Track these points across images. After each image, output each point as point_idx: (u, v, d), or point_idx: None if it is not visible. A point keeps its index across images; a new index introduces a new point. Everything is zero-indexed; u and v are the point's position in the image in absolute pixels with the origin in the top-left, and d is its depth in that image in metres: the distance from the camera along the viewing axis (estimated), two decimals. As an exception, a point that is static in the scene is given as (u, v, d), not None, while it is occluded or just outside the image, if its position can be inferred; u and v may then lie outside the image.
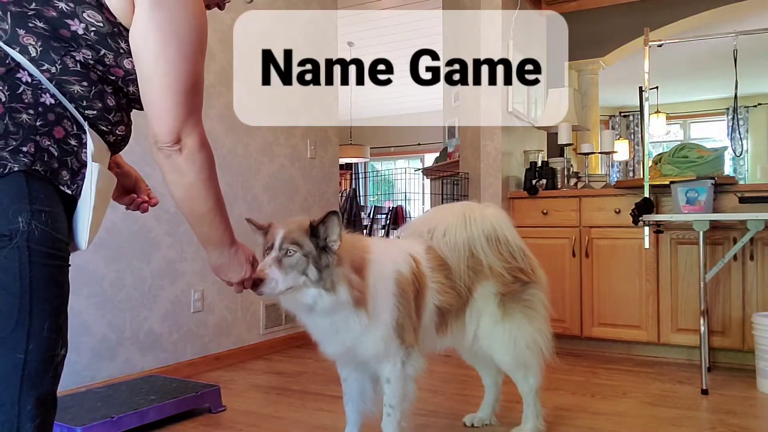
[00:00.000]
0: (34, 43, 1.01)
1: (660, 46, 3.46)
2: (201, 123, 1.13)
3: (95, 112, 1.08)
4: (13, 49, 1.00)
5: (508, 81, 4.12)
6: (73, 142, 1.06)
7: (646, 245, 3.32)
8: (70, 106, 1.05)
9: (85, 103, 1.06)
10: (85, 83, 1.05)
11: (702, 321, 3.00)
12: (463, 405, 2.66)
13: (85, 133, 1.07)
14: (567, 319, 3.79)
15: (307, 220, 1.71)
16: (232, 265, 1.33)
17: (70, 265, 1.08)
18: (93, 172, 1.07)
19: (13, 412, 0.97)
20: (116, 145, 1.18)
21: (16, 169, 0.97)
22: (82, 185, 1.07)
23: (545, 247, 3.81)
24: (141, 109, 1.15)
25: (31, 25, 1.00)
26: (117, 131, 1.14)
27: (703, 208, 3.06)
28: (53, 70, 1.02)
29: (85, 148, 1.07)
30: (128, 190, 1.41)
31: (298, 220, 1.74)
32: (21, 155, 0.98)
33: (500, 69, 4.03)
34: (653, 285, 3.57)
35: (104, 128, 1.11)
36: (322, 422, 2.48)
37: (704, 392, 2.86)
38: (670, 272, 3.52)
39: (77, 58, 1.03)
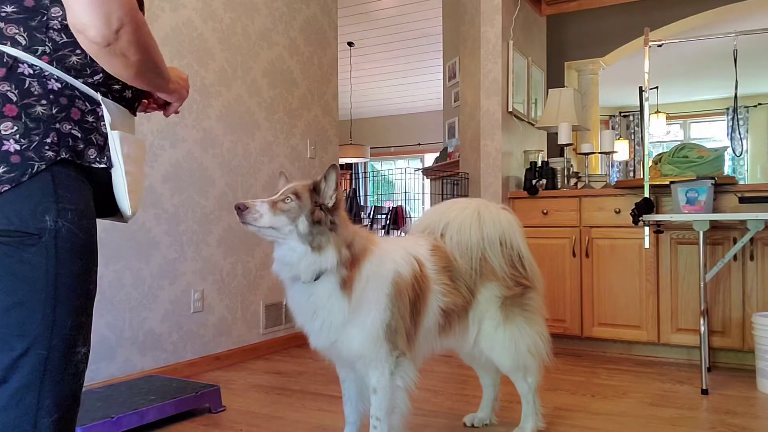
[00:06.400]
0: (18, 31, 1.00)
1: (660, 46, 3.46)
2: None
3: (101, 75, 1.07)
4: (4, 44, 0.99)
5: (508, 81, 4.13)
6: (90, 119, 1.06)
7: (646, 245, 3.32)
8: (78, 83, 1.04)
9: (89, 71, 1.05)
10: (78, 51, 1.03)
11: (702, 321, 3.00)
12: (463, 405, 2.66)
13: (99, 106, 1.08)
14: (567, 319, 3.78)
15: (312, 180, 1.81)
16: (181, 83, 1.27)
17: (97, 264, 1.09)
18: (115, 140, 1.08)
19: (32, 407, 0.98)
20: (136, 98, 1.18)
21: (43, 167, 0.98)
22: (111, 156, 1.09)
23: (545, 247, 3.82)
24: None
25: (3, 14, 0.99)
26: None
27: (703, 208, 3.06)
28: (47, 50, 1.01)
29: (104, 121, 1.08)
30: None
31: (306, 181, 1.84)
32: (46, 148, 0.99)
33: (500, 69, 4.04)
34: (653, 285, 3.57)
35: (117, 86, 1.11)
36: (322, 422, 2.47)
37: (704, 392, 2.86)
38: (670, 272, 3.52)
39: (56, 27, 1.01)
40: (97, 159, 1.07)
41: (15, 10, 0.99)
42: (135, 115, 1.22)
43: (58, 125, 1.01)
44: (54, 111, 1.01)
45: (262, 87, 3.76)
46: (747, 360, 3.28)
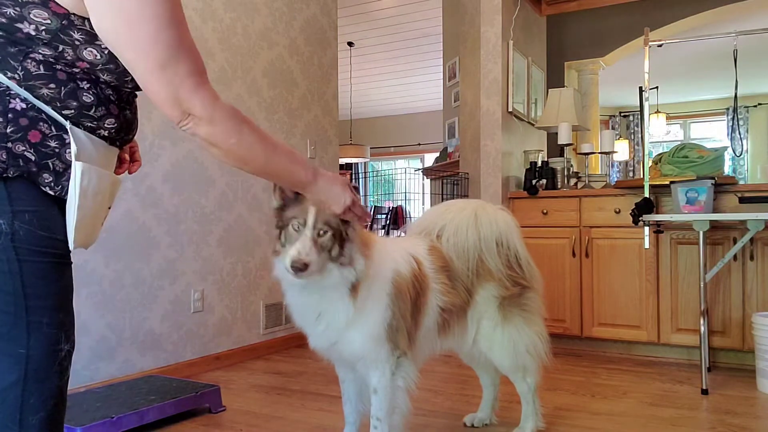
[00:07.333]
0: None
1: (660, 46, 3.46)
2: (204, 86, 1.03)
3: (72, 111, 1.04)
4: None
5: (508, 81, 4.13)
6: (53, 144, 1.03)
7: (646, 245, 3.32)
8: (47, 108, 1.02)
9: (59, 105, 1.03)
10: (52, 85, 1.01)
11: (702, 321, 3.00)
12: (463, 405, 2.66)
13: (67, 132, 1.04)
14: (567, 319, 3.78)
15: None
16: (330, 196, 1.38)
17: (70, 262, 1.08)
18: (76, 171, 1.04)
19: (16, 405, 0.99)
20: (115, 139, 1.13)
21: None
22: (68, 185, 1.05)
23: (545, 247, 3.82)
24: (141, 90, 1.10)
25: None
26: (105, 125, 1.09)
27: (703, 208, 3.06)
28: (17, 77, 0.99)
29: (70, 148, 1.04)
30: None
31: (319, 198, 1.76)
32: None
33: (500, 69, 4.04)
34: (653, 285, 3.56)
35: (90, 125, 1.07)
36: (322, 422, 2.47)
37: (704, 392, 2.86)
38: (670, 272, 3.52)
39: (38, 59, 1.00)
40: (52, 184, 1.03)
41: (0, 35, 0.99)
42: (120, 149, 1.16)
43: (10, 144, 0.99)
44: (8, 130, 0.99)
45: (262, 87, 3.76)
46: (747, 360, 3.28)
